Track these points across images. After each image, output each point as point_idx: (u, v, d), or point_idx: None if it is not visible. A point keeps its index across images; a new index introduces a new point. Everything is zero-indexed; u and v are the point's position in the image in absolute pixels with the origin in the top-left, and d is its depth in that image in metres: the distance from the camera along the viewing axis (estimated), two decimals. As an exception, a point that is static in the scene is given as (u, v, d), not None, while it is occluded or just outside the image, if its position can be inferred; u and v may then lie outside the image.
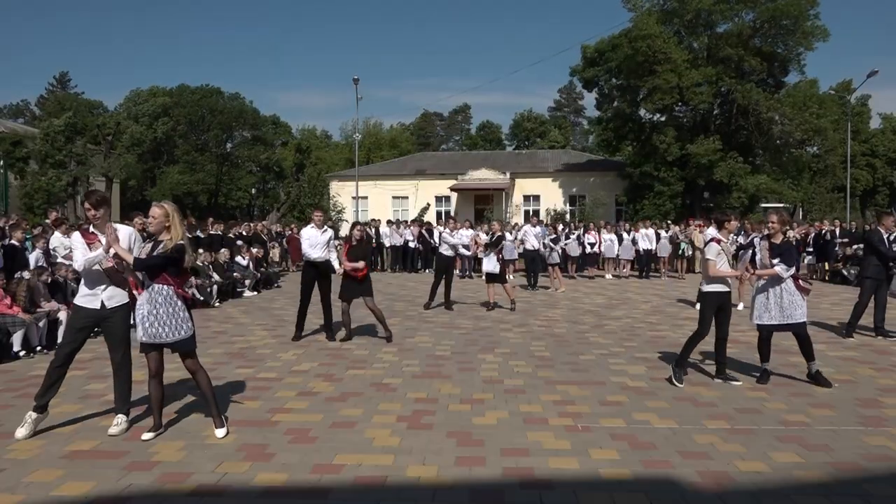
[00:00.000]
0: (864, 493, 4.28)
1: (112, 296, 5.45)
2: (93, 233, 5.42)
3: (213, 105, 44.75)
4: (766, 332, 7.14)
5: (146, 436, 5.20)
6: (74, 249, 5.49)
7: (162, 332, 5.15)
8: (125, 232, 5.51)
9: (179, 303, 5.23)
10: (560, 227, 20.67)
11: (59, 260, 10.56)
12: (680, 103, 28.79)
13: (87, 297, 5.43)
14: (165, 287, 5.17)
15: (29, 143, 34.40)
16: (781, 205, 28.98)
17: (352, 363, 8.02)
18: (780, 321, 7.00)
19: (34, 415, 5.36)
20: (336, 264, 9.57)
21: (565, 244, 19.62)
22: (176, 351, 5.29)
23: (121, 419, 5.47)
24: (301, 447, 5.08)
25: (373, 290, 9.47)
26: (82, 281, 5.50)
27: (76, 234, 5.53)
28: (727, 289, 7.11)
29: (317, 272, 9.58)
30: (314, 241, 9.55)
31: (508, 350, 8.83)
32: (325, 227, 9.87)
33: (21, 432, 5.26)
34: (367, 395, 6.59)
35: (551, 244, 17.32)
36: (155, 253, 5.18)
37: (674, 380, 6.98)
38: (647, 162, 30.25)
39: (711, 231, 7.33)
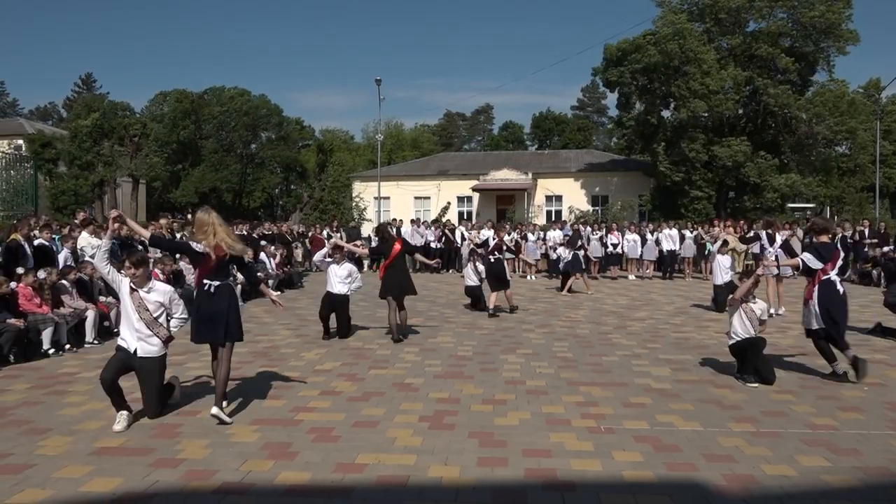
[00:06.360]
0: (894, 499, 4.21)
1: None
2: (134, 289, 5.77)
3: (240, 107, 45.11)
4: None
5: None
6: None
7: None
8: (163, 289, 5.98)
9: None
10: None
11: (86, 259, 10.72)
12: (708, 106, 28.22)
13: None
14: None
15: (57, 144, 35.08)
16: (809, 205, 28.46)
17: (374, 363, 8.05)
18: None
19: (125, 413, 5.58)
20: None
21: (585, 245, 19.48)
22: None
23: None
24: (324, 446, 5.11)
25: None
26: None
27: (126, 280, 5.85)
28: None
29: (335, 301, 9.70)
30: (335, 276, 9.72)
31: (531, 351, 8.80)
32: (345, 260, 9.95)
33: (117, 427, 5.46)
34: (390, 394, 6.61)
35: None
36: None
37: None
38: (677, 168, 29.36)
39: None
